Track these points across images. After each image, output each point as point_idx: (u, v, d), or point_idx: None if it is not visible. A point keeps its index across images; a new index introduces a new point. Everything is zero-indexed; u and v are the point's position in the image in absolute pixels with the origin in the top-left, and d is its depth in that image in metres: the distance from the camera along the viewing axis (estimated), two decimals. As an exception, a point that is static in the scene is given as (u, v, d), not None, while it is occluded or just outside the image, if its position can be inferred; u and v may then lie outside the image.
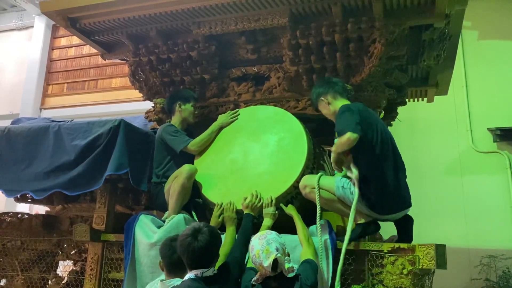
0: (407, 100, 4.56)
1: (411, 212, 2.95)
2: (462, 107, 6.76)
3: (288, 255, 2.35)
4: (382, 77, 3.59)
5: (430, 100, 5.01)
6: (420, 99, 5.04)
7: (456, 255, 5.92)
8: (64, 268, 4.01)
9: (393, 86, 3.81)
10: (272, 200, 2.96)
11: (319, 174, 2.94)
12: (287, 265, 2.24)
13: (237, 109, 3.65)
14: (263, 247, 2.24)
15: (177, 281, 2.32)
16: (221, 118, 3.58)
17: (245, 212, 2.92)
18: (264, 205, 2.95)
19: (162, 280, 2.47)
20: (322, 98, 3.08)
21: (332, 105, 3.05)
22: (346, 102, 3.00)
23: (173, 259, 2.41)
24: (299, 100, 3.70)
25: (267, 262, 2.18)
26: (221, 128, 3.54)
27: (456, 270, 5.80)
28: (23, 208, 6.84)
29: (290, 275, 2.25)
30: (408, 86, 4.25)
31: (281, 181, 3.07)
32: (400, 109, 4.44)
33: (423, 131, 6.77)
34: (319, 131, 3.97)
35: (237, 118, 3.55)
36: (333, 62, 3.48)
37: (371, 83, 3.54)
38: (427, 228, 5.91)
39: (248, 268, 2.44)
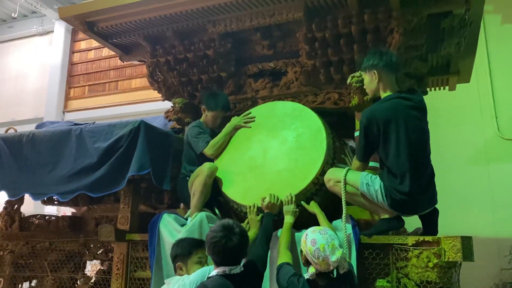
0: (428, 89, 4.47)
1: (437, 202, 2.90)
2: (486, 94, 6.58)
3: None
4: (402, 67, 3.53)
5: (452, 88, 4.90)
6: (442, 88, 4.94)
7: (485, 245, 5.79)
8: (92, 267, 4.08)
9: (413, 76, 3.74)
10: (292, 198, 2.94)
11: (347, 168, 2.91)
12: (346, 264, 2.22)
13: (250, 111, 3.59)
14: (329, 242, 2.21)
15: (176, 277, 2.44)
16: (235, 120, 3.57)
17: (265, 212, 2.92)
18: (284, 202, 2.94)
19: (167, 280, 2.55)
20: (375, 71, 2.90)
21: (380, 83, 2.90)
22: (393, 90, 2.87)
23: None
24: (317, 94, 3.68)
25: (335, 257, 2.16)
26: (235, 130, 3.53)
27: (485, 260, 5.67)
28: (51, 210, 7.02)
29: (341, 271, 2.23)
30: (428, 75, 4.16)
31: (300, 178, 3.05)
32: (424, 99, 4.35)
33: (447, 120, 6.61)
34: (340, 124, 3.93)
35: (253, 121, 3.51)
36: (351, 54, 3.43)
37: (397, 77, 3.46)
38: (454, 218, 5.80)
39: (284, 263, 2.42)
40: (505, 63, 6.58)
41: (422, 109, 2.84)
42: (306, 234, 2.35)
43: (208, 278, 2.25)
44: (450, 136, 6.49)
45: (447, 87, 4.92)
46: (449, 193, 6.02)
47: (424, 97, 4.25)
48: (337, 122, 3.97)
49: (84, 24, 3.74)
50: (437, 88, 4.95)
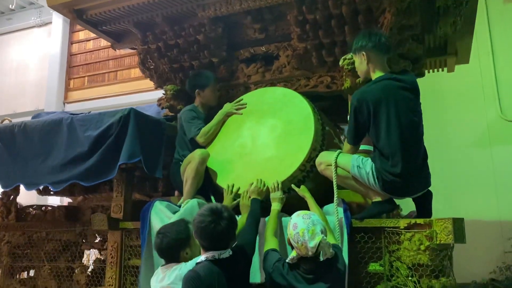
0: (427, 71, 4.39)
1: (439, 185, 2.85)
2: (489, 75, 6.45)
3: None
4: (395, 48, 3.45)
5: (451, 70, 4.80)
6: (440, 69, 4.84)
7: (488, 228, 5.76)
8: (87, 257, 4.09)
9: (408, 57, 3.65)
10: (278, 184, 2.92)
11: (338, 151, 2.87)
12: (330, 250, 2.18)
13: (242, 98, 3.56)
14: (309, 227, 2.17)
15: (173, 266, 2.39)
16: (226, 107, 3.54)
17: (252, 197, 2.90)
18: (270, 189, 2.92)
19: (162, 265, 2.49)
20: (364, 52, 2.87)
21: (370, 64, 2.86)
22: (384, 71, 2.82)
23: (162, 252, 2.47)
24: (310, 78, 3.63)
25: (313, 243, 2.13)
26: (226, 117, 3.51)
27: (488, 243, 5.65)
28: (54, 200, 7.05)
29: (322, 258, 2.20)
30: (425, 57, 4.07)
31: (287, 165, 3.02)
32: (423, 81, 4.23)
33: (449, 102, 6.51)
34: (333, 109, 3.89)
35: (244, 107, 3.48)
36: (342, 36, 3.37)
37: (389, 58, 3.39)
38: (457, 202, 5.77)
39: (269, 250, 2.41)
40: (507, 43, 6.44)
41: (414, 90, 2.78)
42: (291, 218, 2.33)
43: (197, 263, 2.24)
44: (453, 118, 6.40)
45: (446, 69, 4.84)
46: (452, 176, 5.97)
47: (426, 79, 4.23)
48: (331, 107, 3.93)
49: (72, 12, 3.70)
50: (435, 70, 4.86)
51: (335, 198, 2.76)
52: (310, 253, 2.15)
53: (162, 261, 2.83)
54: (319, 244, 2.13)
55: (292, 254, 2.24)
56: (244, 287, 2.28)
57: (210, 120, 3.53)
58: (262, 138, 3.26)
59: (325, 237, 2.16)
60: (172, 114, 4.02)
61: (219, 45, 3.78)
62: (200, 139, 3.44)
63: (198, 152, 3.26)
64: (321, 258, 2.17)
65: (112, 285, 3.37)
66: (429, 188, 2.80)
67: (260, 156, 3.18)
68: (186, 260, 2.45)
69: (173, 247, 2.46)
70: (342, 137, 3.72)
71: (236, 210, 2.92)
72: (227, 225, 2.19)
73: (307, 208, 2.70)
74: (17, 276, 4.12)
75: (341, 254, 2.35)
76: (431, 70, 4.80)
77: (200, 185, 3.31)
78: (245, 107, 3.48)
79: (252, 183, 2.95)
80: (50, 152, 3.60)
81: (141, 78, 8.24)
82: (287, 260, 2.24)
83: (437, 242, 2.45)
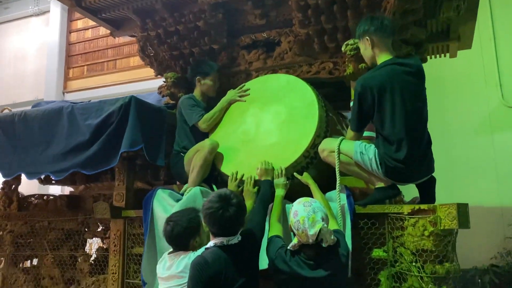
0: (429, 57, 4.35)
1: (441, 172, 2.83)
2: (491, 61, 6.40)
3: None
4: (398, 33, 3.40)
5: (453, 55, 4.76)
6: (443, 55, 4.80)
7: (489, 215, 5.76)
8: (90, 245, 4.10)
9: (410, 42, 3.61)
10: (282, 171, 2.91)
11: (340, 138, 2.86)
12: (331, 237, 2.18)
13: (244, 84, 3.55)
14: (309, 214, 2.17)
15: (182, 254, 2.37)
16: (230, 94, 3.52)
17: (262, 179, 2.89)
18: (274, 176, 2.91)
19: (170, 253, 2.48)
20: (367, 37, 2.84)
21: (374, 49, 2.83)
22: (389, 55, 2.79)
23: (172, 239, 2.45)
24: (312, 64, 3.59)
25: (313, 231, 2.13)
26: (229, 104, 3.49)
27: (490, 229, 5.66)
28: (56, 190, 7.06)
29: (324, 245, 2.20)
30: (427, 42, 4.03)
31: (291, 152, 3.01)
32: (425, 67, 4.20)
33: (451, 88, 6.47)
34: (336, 95, 3.86)
35: (248, 94, 3.47)
36: (345, 21, 3.32)
37: (394, 40, 3.36)
38: (458, 188, 5.75)
39: (273, 236, 2.41)
40: (510, 29, 6.37)
41: (419, 75, 2.75)
42: (292, 205, 2.32)
43: (206, 249, 2.24)
44: (454, 105, 6.36)
45: (448, 55, 4.79)
46: (453, 163, 5.96)
47: (427, 65, 4.15)
48: (334, 94, 3.90)
49: (71, -1, 3.65)
50: (437, 56, 4.82)
51: (337, 185, 2.75)
52: (310, 241, 2.15)
53: (165, 249, 2.84)
54: (319, 231, 2.13)
55: (294, 241, 2.24)
56: (253, 272, 2.27)
57: (209, 110, 3.51)
58: (266, 124, 3.24)
59: (325, 225, 2.15)
60: (173, 102, 3.99)
61: (219, 32, 3.74)
62: (202, 125, 3.42)
63: (208, 142, 3.25)
64: (324, 245, 2.17)
65: (115, 273, 3.38)
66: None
67: (264, 142, 3.17)
68: (195, 248, 2.44)
69: (183, 235, 2.44)
70: (344, 124, 3.69)
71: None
72: (235, 212, 2.18)
73: (311, 195, 2.69)
74: (21, 265, 4.13)
75: (344, 239, 2.35)
76: (433, 56, 4.76)
77: (207, 175, 3.30)
78: (249, 94, 3.46)
79: (258, 168, 2.94)
80: (51, 141, 3.58)
81: (141, 67, 8.20)
82: (288, 247, 2.24)
83: (441, 228, 2.44)
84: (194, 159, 3.25)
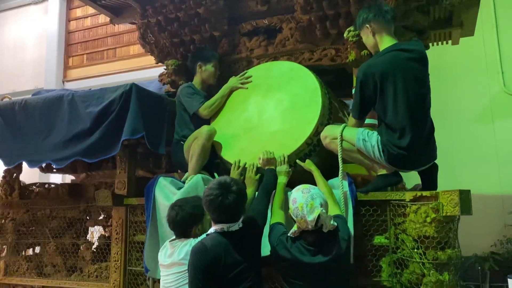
0: (431, 44, 4.31)
1: (441, 160, 2.83)
2: (493, 48, 6.37)
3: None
4: (400, 19, 3.37)
5: (455, 42, 4.72)
6: (445, 42, 4.76)
7: (490, 202, 5.78)
8: (91, 233, 4.11)
9: (413, 29, 3.58)
10: (284, 158, 2.91)
11: (343, 125, 2.85)
12: (331, 222, 2.19)
13: (246, 71, 3.54)
14: (308, 201, 2.19)
15: (183, 241, 2.39)
16: (232, 81, 3.51)
17: (266, 168, 2.89)
18: (277, 163, 2.91)
19: (171, 241, 2.48)
20: (367, 25, 2.83)
21: (376, 36, 2.82)
22: (391, 41, 2.77)
23: (176, 224, 2.46)
24: (314, 51, 3.57)
25: (311, 217, 2.14)
26: (231, 91, 3.47)
27: (489, 217, 5.67)
28: (57, 178, 7.07)
29: (324, 230, 2.21)
30: (430, 29, 3.99)
31: (294, 139, 3.00)
32: (427, 54, 4.19)
33: (452, 76, 6.43)
34: (337, 83, 3.84)
35: (250, 81, 3.45)
36: (347, 7, 3.29)
37: (396, 25, 3.33)
38: (459, 176, 5.75)
39: (275, 223, 2.41)
40: (512, 16, 6.34)
41: (422, 61, 2.72)
42: (291, 192, 2.34)
43: (207, 235, 2.25)
44: (455, 92, 6.34)
45: (450, 42, 4.76)
46: (454, 150, 5.96)
47: (429, 52, 4.11)
48: (335, 81, 3.88)
49: (70, -14, 3.61)
50: (440, 43, 4.78)
51: (340, 172, 2.75)
52: (310, 227, 2.16)
53: (167, 236, 2.85)
54: (318, 217, 2.13)
55: (294, 228, 2.25)
56: (255, 258, 2.28)
57: (209, 98, 3.49)
58: (268, 112, 3.23)
59: (324, 210, 2.16)
60: (174, 90, 3.96)
61: (220, 18, 3.71)
62: (203, 111, 3.40)
63: (205, 128, 3.24)
64: (324, 230, 2.18)
65: (117, 261, 3.39)
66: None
67: (266, 130, 3.16)
68: (196, 236, 2.46)
69: (187, 221, 2.46)
70: (346, 112, 3.68)
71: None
72: (235, 199, 2.19)
73: (313, 182, 2.69)
74: (23, 253, 4.14)
75: (345, 224, 2.35)
76: (435, 43, 4.72)
77: (206, 162, 3.29)
78: (251, 82, 3.45)
79: (260, 157, 2.93)
80: (52, 129, 3.57)
81: (141, 55, 8.17)
82: (289, 234, 2.25)
83: (443, 214, 2.44)
84: (193, 146, 3.25)
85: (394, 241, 2.68)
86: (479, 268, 5.18)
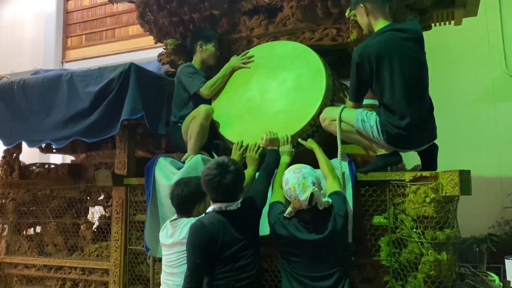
0: (433, 25, 4.26)
1: (441, 141, 2.83)
2: (495, 30, 6.31)
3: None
4: (402, -2, 3.34)
5: (458, 23, 4.66)
6: (448, 23, 4.70)
7: (488, 184, 5.80)
8: (92, 213, 4.13)
9: (415, 8, 3.53)
10: (288, 138, 2.90)
11: (342, 106, 2.84)
12: (324, 199, 2.21)
13: (249, 51, 3.50)
14: (299, 181, 2.21)
15: (184, 221, 2.37)
16: (233, 60, 3.47)
17: (268, 148, 2.89)
18: (280, 143, 2.90)
19: (171, 221, 2.49)
20: (361, 5, 2.81)
21: (370, 16, 2.80)
22: (386, 22, 2.75)
23: (180, 201, 2.46)
24: (315, 30, 3.51)
25: (304, 196, 2.16)
26: (233, 71, 3.44)
27: (489, 199, 5.71)
28: (57, 159, 7.08)
29: (320, 207, 2.23)
30: (432, 8, 3.94)
31: (297, 119, 2.99)
32: (428, 35, 4.13)
33: (454, 57, 6.39)
34: (339, 63, 3.80)
35: (252, 61, 3.43)
36: (348, -16, 3.23)
37: (391, 6, 3.28)
38: (458, 157, 5.74)
39: (274, 202, 2.44)
40: (515, -4, 6.26)
41: (418, 40, 2.70)
42: (284, 173, 2.36)
43: (205, 214, 2.28)
44: (457, 73, 6.30)
45: (453, 22, 4.70)
46: (454, 132, 5.94)
47: (431, 33, 4.10)
48: (336, 61, 3.84)
49: (67, -37, 3.55)
50: (442, 24, 4.72)
51: (339, 153, 2.75)
52: (304, 206, 2.19)
53: (167, 216, 2.87)
54: (311, 195, 2.14)
55: (289, 209, 2.27)
56: (253, 237, 2.30)
57: (209, 79, 3.45)
58: (271, 92, 3.21)
59: (316, 189, 2.17)
60: (173, 70, 3.93)
61: (220, -4, 3.65)
62: (204, 91, 3.37)
63: (203, 108, 3.22)
64: (320, 208, 2.20)
65: (118, 240, 3.41)
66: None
67: (269, 110, 3.15)
68: (198, 215, 2.46)
69: (192, 198, 2.46)
70: (346, 92, 3.66)
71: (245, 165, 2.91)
72: (233, 179, 2.21)
73: (315, 163, 2.68)
74: (24, 233, 4.17)
75: (343, 200, 2.36)
76: (437, 24, 4.66)
77: (205, 142, 3.28)
78: (253, 61, 3.42)
79: (263, 137, 2.93)
80: (51, 109, 3.56)
81: (140, 36, 8.10)
82: (284, 215, 2.27)
83: (443, 194, 2.44)
84: (191, 126, 3.23)
85: (393, 221, 2.69)
86: (477, 249, 5.22)
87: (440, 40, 5.83)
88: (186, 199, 2.46)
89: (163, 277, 2.49)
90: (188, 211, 2.48)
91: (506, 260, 4.77)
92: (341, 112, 2.77)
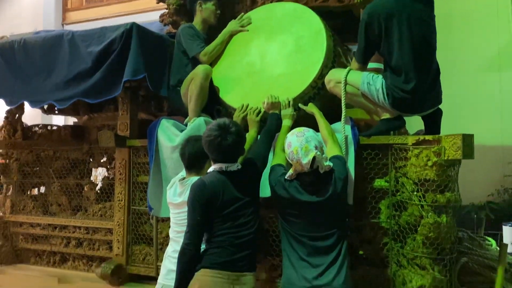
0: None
1: (445, 107, 2.81)
2: (505, -3, 6.17)
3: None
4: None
5: (467, -13, 4.56)
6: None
7: (490, 152, 5.79)
8: (95, 176, 4.17)
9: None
10: (289, 101, 2.89)
11: (348, 68, 2.81)
12: (325, 163, 2.22)
13: (243, 14, 3.44)
14: (302, 144, 2.21)
15: (194, 179, 2.37)
16: (231, 25, 3.42)
17: (270, 112, 2.88)
18: (282, 106, 2.89)
19: (181, 180, 2.51)
20: None
21: None
22: None
23: (191, 157, 2.44)
24: (320, -9, 3.43)
25: (306, 160, 2.17)
26: (231, 36, 3.39)
27: (489, 167, 5.71)
28: (59, 120, 7.09)
29: (321, 171, 2.23)
30: (442, -29, 3.85)
31: (298, 82, 2.96)
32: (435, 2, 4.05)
33: (461, 23, 6.24)
34: (345, 27, 3.74)
35: (250, 23, 3.37)
36: None
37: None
38: (461, 124, 5.70)
39: (275, 165, 2.45)
40: (527, -40, 6.07)
41: (427, 2, 2.65)
42: (287, 137, 2.36)
43: (207, 174, 2.31)
44: (463, 41, 6.17)
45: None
46: (458, 98, 5.87)
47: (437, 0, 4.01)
48: (342, 25, 3.78)
49: None
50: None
51: (343, 116, 2.74)
52: (305, 169, 2.20)
53: (170, 176, 2.88)
54: (313, 159, 2.15)
55: (290, 172, 2.28)
56: (253, 198, 2.32)
57: (209, 43, 3.40)
58: (272, 55, 3.17)
59: (319, 153, 2.18)
60: (175, 31, 3.86)
61: (221, -46, 3.55)
62: (203, 57, 3.33)
63: (201, 68, 3.18)
64: (321, 171, 2.21)
65: (121, 200, 3.45)
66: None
67: (270, 73, 3.12)
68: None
69: (203, 153, 2.40)
70: (349, 57, 3.61)
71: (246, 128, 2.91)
72: (233, 140, 2.22)
73: (316, 127, 2.68)
74: (28, 192, 4.22)
75: (343, 164, 2.36)
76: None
77: (205, 103, 3.27)
78: (251, 23, 3.36)
79: (265, 101, 2.91)
80: (52, 69, 3.52)
81: (141, -3, 7.96)
82: (286, 177, 2.28)
83: (445, 158, 2.45)
84: (190, 88, 3.21)
85: (394, 184, 2.71)
86: (475, 216, 5.28)
87: (447, 8, 5.71)
88: (198, 154, 2.45)
89: (172, 235, 2.52)
90: (199, 167, 2.48)
91: (503, 226, 4.83)
92: (347, 74, 2.75)
